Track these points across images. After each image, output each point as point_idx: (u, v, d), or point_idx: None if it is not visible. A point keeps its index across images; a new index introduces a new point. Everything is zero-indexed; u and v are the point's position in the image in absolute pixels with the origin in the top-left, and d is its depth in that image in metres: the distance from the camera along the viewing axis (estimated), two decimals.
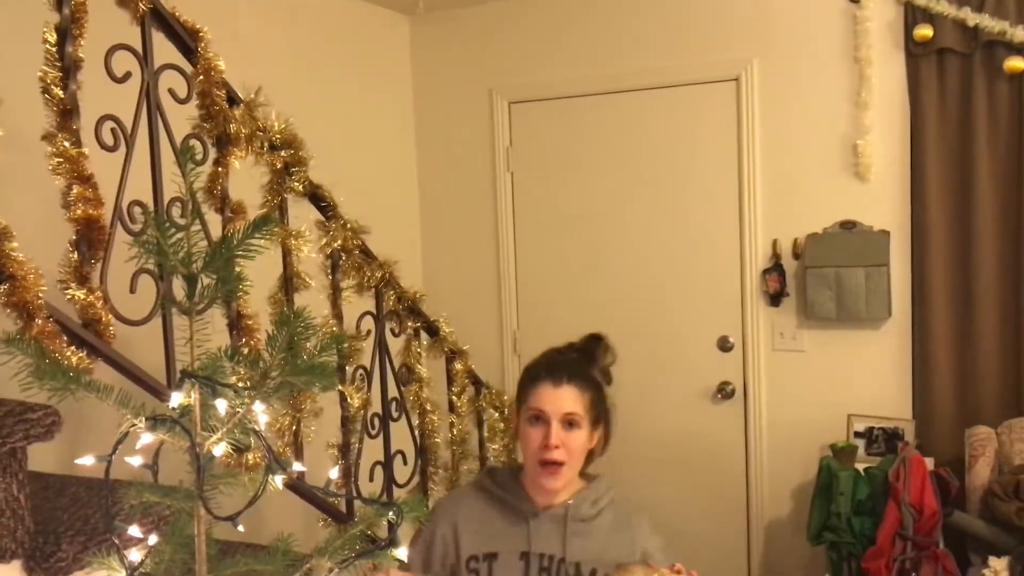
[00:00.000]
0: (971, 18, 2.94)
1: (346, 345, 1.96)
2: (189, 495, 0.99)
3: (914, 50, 3.09)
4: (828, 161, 3.32)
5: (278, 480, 1.04)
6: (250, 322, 1.70)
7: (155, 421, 1.00)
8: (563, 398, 1.62)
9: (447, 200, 4.01)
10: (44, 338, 1.27)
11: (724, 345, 3.57)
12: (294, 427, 1.83)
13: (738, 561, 3.60)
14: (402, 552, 1.17)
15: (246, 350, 1.60)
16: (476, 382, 2.57)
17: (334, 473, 1.24)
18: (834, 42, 3.25)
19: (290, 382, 1.08)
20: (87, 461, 1.00)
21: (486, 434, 2.61)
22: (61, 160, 1.33)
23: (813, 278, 3.29)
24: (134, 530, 1.03)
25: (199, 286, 1.02)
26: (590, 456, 1.75)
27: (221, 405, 0.99)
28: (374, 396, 2.14)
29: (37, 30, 1.38)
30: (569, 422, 1.63)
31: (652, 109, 3.61)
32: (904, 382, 3.26)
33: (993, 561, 2.56)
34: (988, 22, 2.91)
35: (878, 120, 3.21)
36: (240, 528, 1.01)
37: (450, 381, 2.47)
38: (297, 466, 1.18)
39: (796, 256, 3.38)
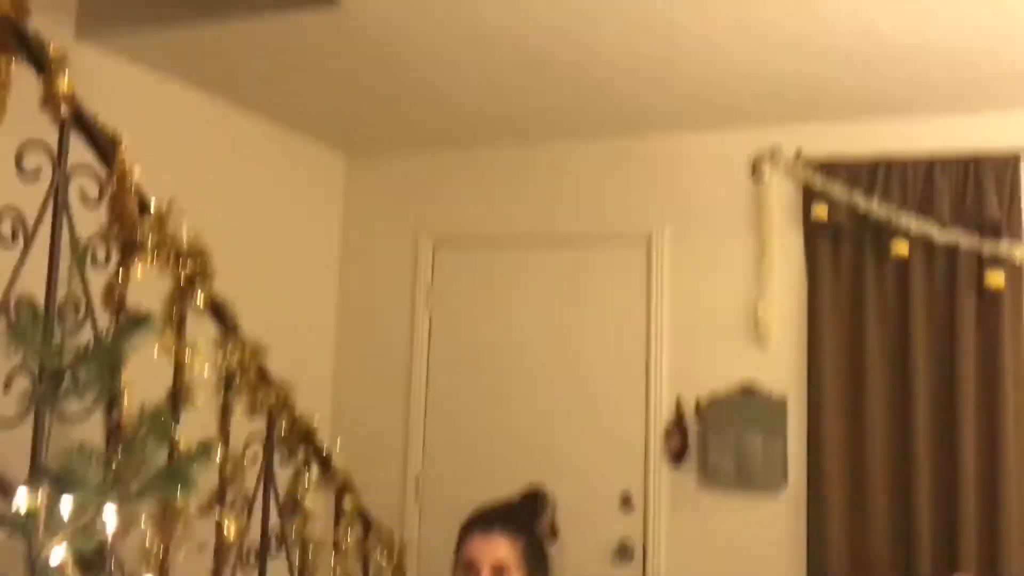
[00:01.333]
0: (861, 203, 3.17)
1: (227, 468, 1.88)
2: None
3: (811, 227, 3.30)
4: (731, 324, 3.44)
5: None
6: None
7: None
8: (492, 547, 1.61)
9: (364, 339, 3.98)
10: None
11: (626, 502, 3.53)
12: (162, 555, 1.72)
13: None
14: None
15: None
16: (366, 521, 2.48)
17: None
18: (739, 214, 3.45)
19: (147, 487, 1.04)
20: None
21: None
22: None
23: (714, 439, 3.33)
24: None
25: (64, 382, 0.99)
26: None
27: (66, 504, 0.93)
28: (254, 527, 2.04)
29: None
30: (499, 570, 1.59)
31: (568, 260, 3.72)
32: (799, 556, 3.24)
33: None
34: (876, 208, 3.15)
35: (778, 289, 3.37)
36: None
37: (338, 518, 2.37)
38: None
39: (699, 415, 3.44)
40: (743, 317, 3.43)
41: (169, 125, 3.04)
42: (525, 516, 1.73)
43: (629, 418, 3.56)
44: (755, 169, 3.41)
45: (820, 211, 3.24)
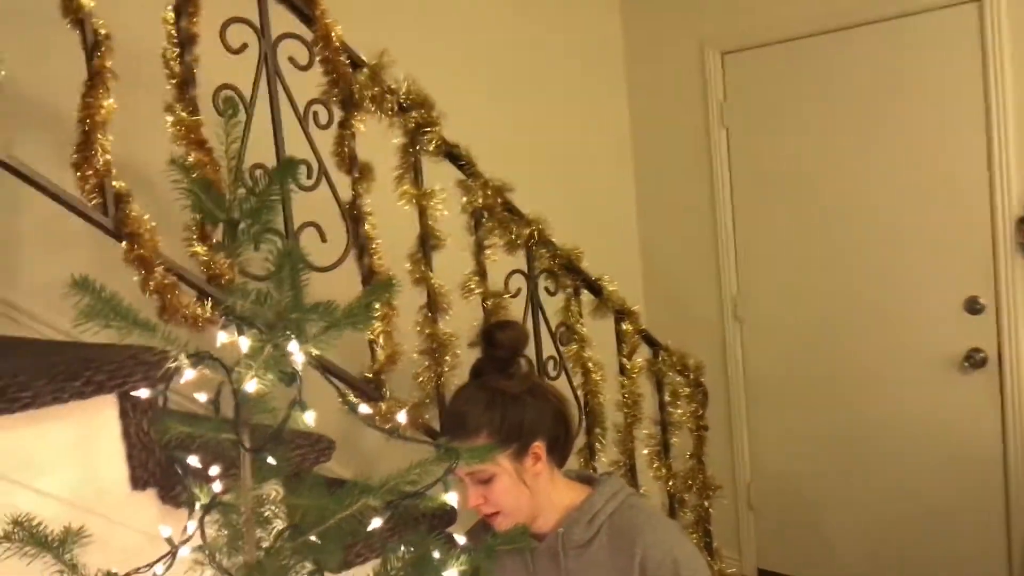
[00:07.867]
0: None
1: (488, 302, 1.97)
2: (218, 426, 1.05)
3: None
4: None
5: (308, 417, 1.06)
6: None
7: (197, 358, 1.07)
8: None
9: (661, 161, 3.87)
10: (163, 290, 1.41)
11: (973, 307, 3.12)
12: (436, 380, 1.88)
13: (998, 555, 3.15)
14: (452, 497, 1.16)
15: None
16: (652, 343, 2.46)
17: (402, 417, 1.27)
18: None
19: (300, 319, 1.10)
20: (142, 394, 1.10)
21: (667, 397, 2.49)
22: (179, 127, 1.46)
23: None
24: (193, 460, 1.11)
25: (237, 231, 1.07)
26: (558, 463, 1.58)
27: (244, 343, 1.03)
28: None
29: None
30: (479, 480, 1.49)
31: (878, 45, 3.22)
32: None
33: None
34: None
35: None
36: (271, 460, 1.06)
37: (620, 342, 2.38)
38: (363, 408, 1.19)
39: None
40: None
41: None
42: (480, 389, 1.53)
43: (970, 211, 3.08)
44: None
45: None
